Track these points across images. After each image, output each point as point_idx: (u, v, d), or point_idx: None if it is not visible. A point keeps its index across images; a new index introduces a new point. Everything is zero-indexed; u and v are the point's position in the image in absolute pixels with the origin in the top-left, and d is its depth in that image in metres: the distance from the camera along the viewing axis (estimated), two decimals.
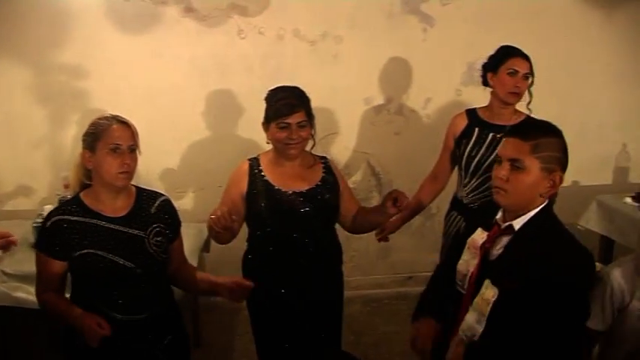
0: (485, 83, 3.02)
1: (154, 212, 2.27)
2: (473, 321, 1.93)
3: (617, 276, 2.10)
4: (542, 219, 1.91)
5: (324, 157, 2.71)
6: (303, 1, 3.88)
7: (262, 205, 2.52)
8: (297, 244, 2.54)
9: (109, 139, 2.12)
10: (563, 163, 1.90)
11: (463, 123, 3.04)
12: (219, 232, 2.37)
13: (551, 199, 1.95)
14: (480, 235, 2.01)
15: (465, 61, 4.12)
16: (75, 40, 3.76)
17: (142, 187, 2.34)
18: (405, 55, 4.08)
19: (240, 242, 4.00)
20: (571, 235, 1.92)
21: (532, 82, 2.94)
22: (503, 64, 2.91)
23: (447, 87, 4.15)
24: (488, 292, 1.88)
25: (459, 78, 4.14)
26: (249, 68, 3.96)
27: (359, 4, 3.99)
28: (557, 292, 1.78)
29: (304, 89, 2.58)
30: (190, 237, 3.34)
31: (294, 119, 2.46)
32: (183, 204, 4.00)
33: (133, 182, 2.24)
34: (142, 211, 2.24)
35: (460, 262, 2.04)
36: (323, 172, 2.63)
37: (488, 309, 1.87)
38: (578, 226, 3.81)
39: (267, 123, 2.52)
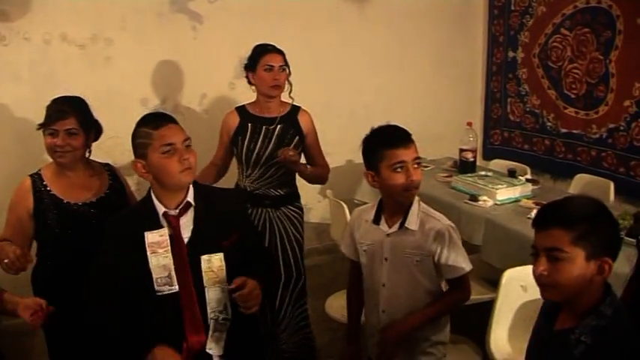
0: (250, 82, 3.18)
1: None
2: (220, 294, 2.14)
3: (354, 215, 2.50)
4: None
5: (107, 164, 2.72)
6: (68, 3, 3.80)
7: (52, 220, 2.49)
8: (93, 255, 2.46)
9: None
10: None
11: (235, 120, 3.18)
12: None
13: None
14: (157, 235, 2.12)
15: (236, 56, 4.21)
16: None
17: None
18: (177, 53, 4.15)
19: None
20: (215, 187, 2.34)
21: (289, 72, 3.14)
22: (259, 62, 3.09)
23: (221, 82, 4.29)
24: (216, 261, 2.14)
25: (232, 72, 4.25)
26: (16, 76, 3.81)
27: (127, 5, 3.99)
28: None
29: (78, 94, 2.59)
30: None
31: (62, 126, 2.43)
32: None
33: None
34: None
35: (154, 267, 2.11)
36: (109, 180, 2.65)
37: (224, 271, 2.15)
38: (355, 201, 4.08)
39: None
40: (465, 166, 3.93)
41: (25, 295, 2.28)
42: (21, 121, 3.81)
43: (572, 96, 4.45)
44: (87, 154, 2.59)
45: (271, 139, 3.11)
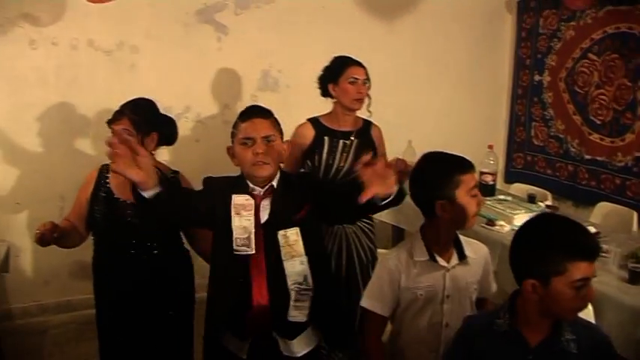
0: (324, 94, 3.15)
1: None
2: (298, 266, 2.15)
3: (390, 264, 2.21)
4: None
5: (175, 172, 2.75)
6: (98, 11, 3.81)
7: (98, 210, 2.61)
8: (129, 256, 2.59)
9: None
10: None
11: (311, 133, 3.11)
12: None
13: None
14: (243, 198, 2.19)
15: (259, 68, 4.33)
16: None
17: None
18: (202, 63, 4.19)
19: (42, 261, 3.97)
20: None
21: (369, 86, 3.12)
22: (343, 74, 3.05)
23: (243, 93, 4.32)
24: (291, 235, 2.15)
25: (255, 84, 4.33)
26: (43, 80, 3.88)
27: (154, 14, 4.04)
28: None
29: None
30: None
31: (117, 126, 2.54)
32: None
33: None
34: None
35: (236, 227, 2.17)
36: None
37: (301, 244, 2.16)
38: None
39: None
40: (484, 189, 3.87)
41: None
42: (45, 124, 3.88)
43: (598, 122, 4.38)
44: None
45: (349, 153, 3.09)
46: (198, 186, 2.33)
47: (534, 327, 1.77)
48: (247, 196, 2.17)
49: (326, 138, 3.11)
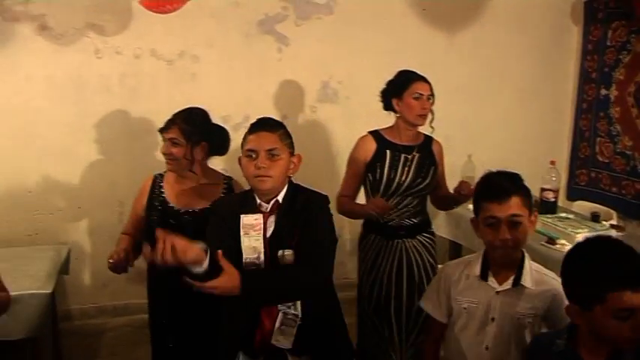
0: (387, 108, 3.13)
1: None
2: None
3: (448, 270, 2.25)
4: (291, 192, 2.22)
5: (229, 178, 2.78)
6: (161, 21, 3.88)
7: (155, 220, 2.63)
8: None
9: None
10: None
11: (373, 146, 3.09)
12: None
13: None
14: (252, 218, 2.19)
15: (319, 79, 4.32)
16: None
17: None
18: (262, 73, 4.21)
19: (100, 264, 4.04)
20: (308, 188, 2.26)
21: (433, 101, 3.09)
22: (407, 89, 3.02)
23: (303, 104, 4.32)
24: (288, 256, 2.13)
25: (314, 95, 4.33)
26: (107, 88, 3.98)
27: (216, 24, 4.09)
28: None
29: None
30: (47, 260, 3.38)
31: (167, 135, 2.61)
32: (42, 226, 3.98)
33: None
34: None
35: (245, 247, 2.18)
36: (223, 193, 2.70)
37: None
38: None
39: None
40: (545, 207, 3.78)
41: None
42: (107, 130, 3.97)
43: None
44: (192, 166, 2.68)
45: (410, 168, 3.06)
46: None
47: (592, 350, 1.71)
48: (256, 216, 2.18)
49: (388, 152, 3.07)
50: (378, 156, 3.07)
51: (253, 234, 2.16)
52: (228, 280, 1.90)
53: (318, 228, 2.18)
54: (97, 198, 4.05)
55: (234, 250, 2.14)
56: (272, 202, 2.20)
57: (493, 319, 2.09)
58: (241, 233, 2.17)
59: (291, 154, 2.24)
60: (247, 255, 2.15)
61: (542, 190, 3.82)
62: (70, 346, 3.75)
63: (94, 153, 4.02)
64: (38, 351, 3.06)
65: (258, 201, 2.21)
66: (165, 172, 2.75)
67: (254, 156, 2.15)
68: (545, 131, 4.95)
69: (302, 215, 2.19)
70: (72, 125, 3.96)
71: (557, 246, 3.23)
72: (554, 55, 4.92)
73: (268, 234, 2.18)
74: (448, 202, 3.24)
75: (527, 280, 2.05)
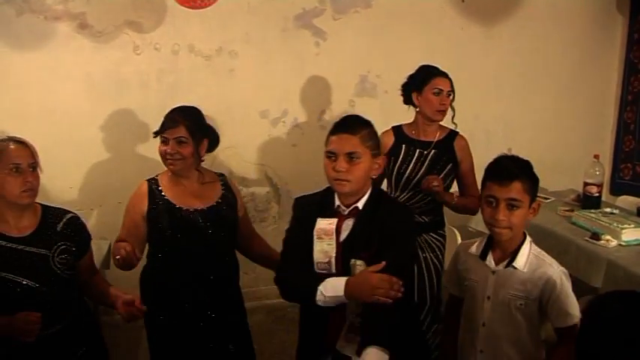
0: (406, 102, 3.12)
1: (60, 230, 2.31)
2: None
3: (460, 247, 2.39)
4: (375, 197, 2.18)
5: (222, 175, 2.77)
6: (198, 17, 3.91)
7: (164, 224, 2.56)
8: (199, 262, 2.58)
9: (7, 159, 2.17)
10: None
11: (391, 140, 3.11)
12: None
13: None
14: (326, 223, 2.16)
15: (357, 74, 4.29)
16: None
17: (49, 205, 2.37)
18: (299, 68, 4.20)
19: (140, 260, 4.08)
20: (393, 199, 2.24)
21: (453, 98, 3.07)
22: (428, 84, 3.02)
23: (341, 99, 4.29)
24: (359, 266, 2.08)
25: (352, 89, 4.30)
26: (145, 84, 4.00)
27: (253, 19, 4.08)
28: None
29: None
30: None
31: (172, 134, 2.52)
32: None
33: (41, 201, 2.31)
34: (47, 229, 2.28)
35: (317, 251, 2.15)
36: (222, 190, 2.69)
37: None
38: (470, 228, 3.94)
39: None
40: (588, 201, 3.69)
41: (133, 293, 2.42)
42: (145, 126, 3.99)
43: None
44: (198, 163, 2.65)
45: (424, 164, 3.04)
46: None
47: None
48: (330, 220, 2.15)
49: (403, 146, 3.09)
50: (394, 150, 3.08)
51: (326, 239, 2.13)
52: None
53: (399, 250, 2.10)
54: None
55: (308, 252, 2.14)
56: (352, 207, 2.16)
57: (489, 298, 2.19)
58: (315, 237, 2.14)
59: (376, 155, 2.17)
60: (318, 259, 2.13)
61: (585, 184, 3.74)
62: (113, 339, 3.78)
63: (132, 149, 4.05)
64: None
65: (337, 202, 2.18)
66: (157, 175, 2.67)
67: (333, 158, 2.11)
68: (587, 124, 4.85)
69: (382, 228, 2.12)
70: (111, 121, 3.99)
71: (602, 242, 3.16)
72: (598, 46, 4.81)
73: (342, 237, 2.14)
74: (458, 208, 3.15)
75: (519, 263, 2.13)
